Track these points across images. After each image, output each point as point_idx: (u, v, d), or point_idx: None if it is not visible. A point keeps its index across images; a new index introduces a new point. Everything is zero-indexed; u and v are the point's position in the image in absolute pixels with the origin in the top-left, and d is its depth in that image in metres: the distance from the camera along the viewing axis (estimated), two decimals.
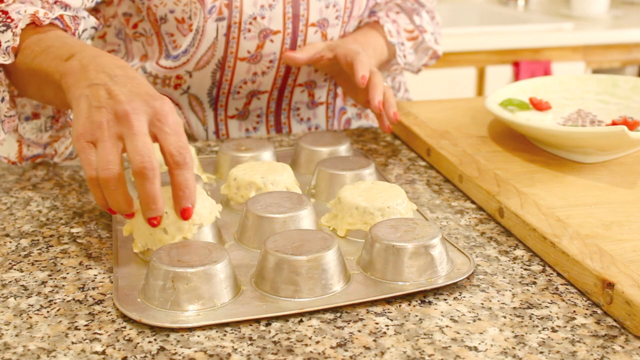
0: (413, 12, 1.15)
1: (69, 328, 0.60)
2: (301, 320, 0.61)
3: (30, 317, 0.62)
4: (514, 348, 0.57)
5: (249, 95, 1.08)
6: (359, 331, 0.59)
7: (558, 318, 0.61)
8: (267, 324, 0.60)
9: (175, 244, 0.65)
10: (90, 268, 0.70)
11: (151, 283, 0.62)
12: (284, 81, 1.09)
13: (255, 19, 1.00)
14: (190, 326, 0.59)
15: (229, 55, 1.02)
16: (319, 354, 0.56)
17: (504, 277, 0.68)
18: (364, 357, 0.56)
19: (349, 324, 0.60)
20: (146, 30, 1.06)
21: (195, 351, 0.57)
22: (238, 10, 0.99)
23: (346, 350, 0.57)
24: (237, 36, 1.01)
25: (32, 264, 0.71)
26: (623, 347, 0.57)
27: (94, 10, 1.06)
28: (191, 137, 1.12)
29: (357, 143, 1.05)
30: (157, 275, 0.61)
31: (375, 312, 0.62)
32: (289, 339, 0.58)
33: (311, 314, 0.62)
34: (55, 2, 0.90)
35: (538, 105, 1.00)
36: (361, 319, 0.61)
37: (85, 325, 0.60)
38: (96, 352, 0.57)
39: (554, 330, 0.59)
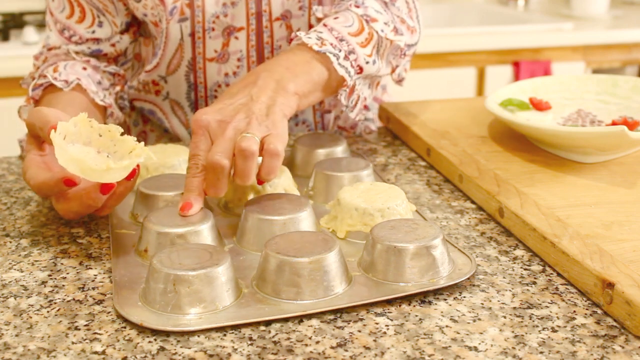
0: (351, 6, 0.94)
1: (69, 328, 0.60)
2: (301, 321, 0.61)
3: (30, 317, 0.62)
4: (514, 348, 0.57)
5: None
6: (359, 331, 0.59)
7: (558, 318, 0.61)
8: (267, 324, 0.60)
9: (175, 247, 0.65)
10: (90, 268, 0.70)
11: (152, 286, 0.62)
12: None
13: (218, 17, 0.99)
14: (192, 330, 0.59)
15: (198, 56, 1.02)
16: (319, 354, 0.56)
17: (504, 277, 0.68)
18: (364, 357, 0.56)
19: (349, 324, 0.60)
20: (145, 31, 1.07)
21: (195, 351, 0.57)
22: (200, 9, 0.98)
23: (346, 350, 0.57)
24: (202, 36, 1.00)
25: (32, 264, 0.71)
26: (623, 347, 0.57)
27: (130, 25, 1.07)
28: (174, 139, 1.12)
29: (357, 143, 1.05)
30: (157, 279, 0.61)
31: (375, 312, 0.62)
32: (289, 339, 0.58)
33: (311, 314, 0.61)
34: (86, 40, 1.01)
35: (538, 105, 1.00)
36: (361, 319, 0.61)
37: (85, 325, 0.60)
38: (96, 352, 0.57)
39: (554, 330, 0.59)
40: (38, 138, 0.76)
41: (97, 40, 1.02)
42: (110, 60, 1.06)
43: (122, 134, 0.72)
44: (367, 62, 0.91)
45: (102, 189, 0.70)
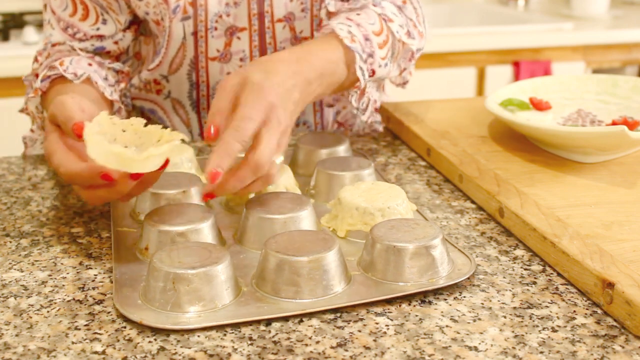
0: (370, 5, 0.96)
1: (69, 328, 0.60)
2: (301, 320, 0.61)
3: (31, 317, 0.62)
4: (514, 348, 0.57)
5: None
6: (359, 331, 0.59)
7: (558, 318, 0.61)
8: (267, 324, 0.60)
9: (175, 246, 0.65)
10: (90, 268, 0.70)
11: (152, 285, 0.62)
12: None
13: (220, 16, 0.99)
14: (191, 328, 0.59)
15: (200, 55, 1.02)
16: (319, 354, 0.56)
17: (504, 277, 0.68)
18: (364, 357, 0.56)
19: (349, 323, 0.60)
20: (146, 30, 1.07)
21: (196, 351, 0.57)
22: (203, 8, 0.98)
23: (346, 350, 0.57)
24: (205, 35, 1.00)
25: (32, 264, 0.71)
26: (623, 347, 0.57)
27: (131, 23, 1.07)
28: None
29: (357, 143, 1.05)
30: (157, 277, 0.61)
31: (376, 312, 0.62)
32: (289, 338, 0.58)
33: (311, 314, 0.62)
34: (91, 37, 1.02)
35: (538, 105, 1.00)
36: (361, 319, 0.61)
37: (85, 325, 0.60)
38: (96, 352, 0.57)
39: (554, 330, 0.59)
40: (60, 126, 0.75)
41: (101, 37, 1.02)
42: (112, 58, 1.06)
43: (145, 125, 0.71)
44: (380, 66, 0.92)
45: (132, 175, 0.69)
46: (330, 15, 0.99)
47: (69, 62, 0.96)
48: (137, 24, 1.06)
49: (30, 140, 1.01)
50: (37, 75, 0.98)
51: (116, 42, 1.03)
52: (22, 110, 1.01)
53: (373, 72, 0.92)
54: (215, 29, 1.00)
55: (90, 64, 0.98)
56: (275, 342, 0.58)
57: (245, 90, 0.73)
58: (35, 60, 1.02)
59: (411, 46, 0.97)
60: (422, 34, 1.01)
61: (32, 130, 1.00)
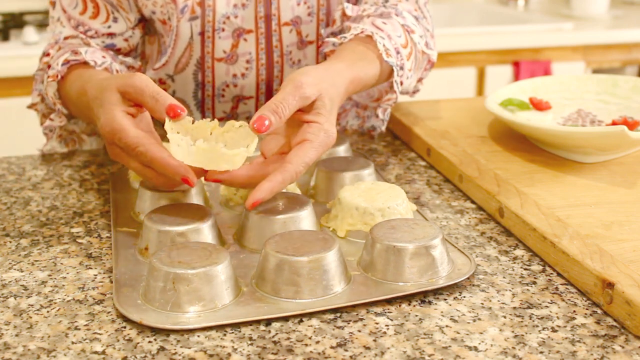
0: (392, 14, 0.98)
1: (69, 328, 0.60)
2: (301, 320, 0.61)
3: (30, 317, 0.62)
4: (514, 348, 0.57)
5: (234, 100, 1.07)
6: (359, 331, 0.59)
7: (558, 318, 0.61)
8: (267, 324, 0.60)
9: (175, 246, 0.65)
10: (90, 268, 0.70)
11: (151, 285, 0.62)
12: (269, 87, 1.07)
13: (228, 18, 1.00)
14: (191, 328, 0.59)
15: (206, 55, 1.02)
16: (319, 354, 0.56)
17: (504, 277, 0.68)
18: (364, 357, 0.56)
19: (349, 323, 0.60)
20: (150, 29, 1.07)
21: (195, 351, 0.57)
22: (211, 9, 0.99)
23: (346, 350, 0.57)
24: (212, 35, 1.01)
25: (32, 264, 0.71)
26: (623, 347, 0.57)
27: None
28: None
29: (357, 143, 1.05)
30: (157, 277, 0.61)
31: (375, 312, 0.62)
32: (289, 338, 0.58)
33: (311, 314, 0.62)
34: (102, 35, 1.02)
35: (538, 105, 1.00)
36: (361, 319, 0.61)
37: (85, 325, 0.60)
38: (96, 352, 0.57)
39: (554, 330, 0.59)
40: (128, 99, 0.75)
41: (112, 35, 1.03)
42: (122, 55, 1.06)
43: (192, 122, 0.72)
44: (407, 78, 0.95)
45: (207, 177, 0.71)
46: (345, 18, 1.00)
47: (84, 51, 0.96)
48: (144, 22, 1.07)
49: (51, 131, 1.01)
50: (49, 67, 0.97)
51: (126, 40, 1.04)
52: (30, 106, 1.01)
53: (401, 83, 0.94)
54: (223, 30, 1.00)
55: (104, 56, 0.99)
56: (275, 342, 0.58)
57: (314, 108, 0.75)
58: (46, 54, 1.02)
59: (431, 56, 1.00)
60: (435, 43, 1.04)
61: (51, 119, 0.99)
